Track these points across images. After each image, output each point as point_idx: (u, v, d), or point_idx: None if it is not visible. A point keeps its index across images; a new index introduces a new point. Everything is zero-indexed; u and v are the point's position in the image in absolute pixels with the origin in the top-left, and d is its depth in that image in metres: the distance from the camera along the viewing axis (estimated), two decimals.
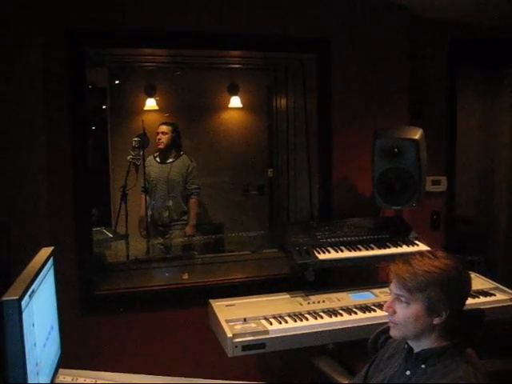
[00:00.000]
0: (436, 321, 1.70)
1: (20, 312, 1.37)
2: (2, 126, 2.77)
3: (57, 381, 1.93)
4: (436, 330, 1.73)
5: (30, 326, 1.48)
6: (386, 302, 2.70)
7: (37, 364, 1.54)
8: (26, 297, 1.45)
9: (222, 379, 2.26)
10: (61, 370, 2.00)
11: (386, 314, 1.82)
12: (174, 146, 4.76)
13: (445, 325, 1.72)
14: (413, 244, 3.08)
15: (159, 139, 4.70)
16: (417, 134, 3.00)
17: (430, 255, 1.76)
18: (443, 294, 1.68)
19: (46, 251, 1.86)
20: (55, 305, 1.93)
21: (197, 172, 4.77)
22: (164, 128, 4.73)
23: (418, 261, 1.74)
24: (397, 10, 3.38)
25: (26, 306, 1.44)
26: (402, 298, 1.73)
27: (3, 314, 1.34)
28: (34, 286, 1.55)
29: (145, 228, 4.70)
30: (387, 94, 3.42)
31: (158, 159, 4.74)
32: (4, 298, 1.36)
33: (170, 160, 4.76)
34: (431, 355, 1.73)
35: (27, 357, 1.41)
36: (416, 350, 1.78)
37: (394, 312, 1.76)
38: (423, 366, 1.73)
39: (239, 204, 5.42)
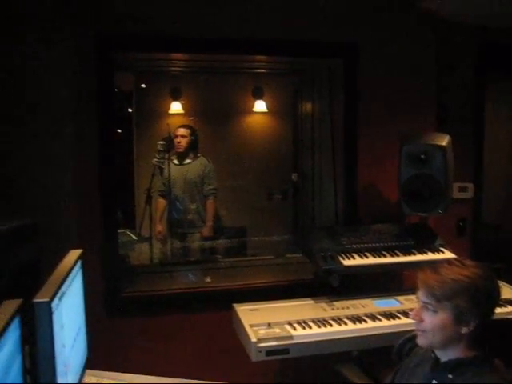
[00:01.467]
0: (464, 330, 1.69)
1: (50, 313, 1.39)
2: (30, 130, 2.82)
3: (82, 381, 1.95)
4: (464, 340, 1.71)
5: (60, 327, 1.50)
6: (410, 309, 2.71)
7: (65, 365, 1.56)
8: (56, 299, 1.47)
9: (245, 383, 2.26)
10: (87, 371, 2.02)
11: (413, 321, 1.81)
12: (192, 149, 4.74)
13: (473, 334, 1.70)
14: (439, 251, 3.05)
15: (178, 142, 4.68)
16: (444, 141, 2.97)
17: (459, 263, 1.74)
18: (471, 303, 1.66)
19: (74, 253, 1.89)
20: (83, 306, 1.96)
21: (214, 173, 4.74)
22: (183, 131, 4.71)
23: (446, 269, 1.72)
24: (424, 15, 3.35)
25: (56, 307, 1.46)
26: (430, 306, 1.71)
27: (34, 315, 1.37)
28: (63, 288, 1.57)
29: (160, 232, 4.71)
30: (414, 99, 3.40)
31: (175, 161, 4.72)
32: (35, 300, 1.38)
33: (188, 161, 4.74)
34: (458, 365, 1.71)
35: (56, 358, 1.43)
36: (443, 359, 1.76)
37: (422, 320, 1.74)
38: (450, 376, 1.71)
39: (263, 208, 5.42)
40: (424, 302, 1.73)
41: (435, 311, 1.70)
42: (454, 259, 1.82)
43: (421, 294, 1.75)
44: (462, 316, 1.67)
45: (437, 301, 1.70)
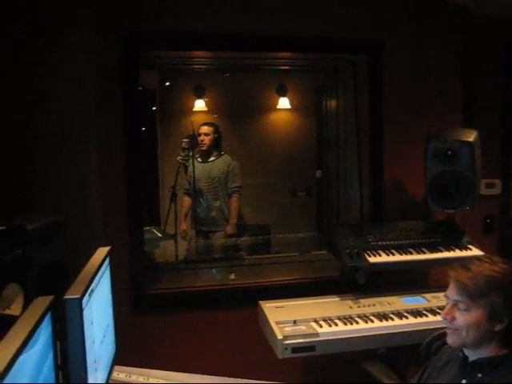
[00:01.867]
0: (497, 328, 1.67)
1: (81, 310, 1.41)
2: (57, 128, 2.85)
3: (112, 377, 1.97)
4: (496, 338, 1.68)
5: (90, 323, 1.52)
6: (437, 307, 2.69)
7: (95, 361, 1.58)
8: (86, 295, 1.49)
9: (271, 380, 2.26)
10: (115, 367, 2.04)
11: (440, 319, 1.79)
12: (216, 147, 4.74)
13: (505, 332, 1.68)
14: (466, 248, 3.02)
15: (202, 141, 4.68)
16: (471, 137, 2.93)
17: (488, 260, 1.72)
18: (505, 299, 1.65)
19: (102, 251, 1.91)
20: (111, 303, 1.98)
21: (238, 171, 4.73)
22: (206, 129, 4.71)
23: (477, 266, 1.70)
24: (450, 9, 3.31)
25: (86, 304, 1.48)
26: (462, 305, 1.69)
27: (65, 312, 1.38)
28: (93, 285, 1.59)
29: (184, 230, 4.73)
30: (440, 95, 3.36)
31: (199, 159, 4.73)
32: (66, 297, 1.40)
33: (212, 159, 4.74)
34: (488, 364, 1.69)
35: (87, 353, 1.45)
36: (472, 358, 1.74)
37: (453, 319, 1.72)
38: (480, 376, 1.69)
39: (287, 205, 5.42)
40: (456, 300, 1.71)
41: (468, 309, 1.68)
42: (483, 256, 1.80)
43: (452, 291, 1.73)
44: (495, 313, 1.65)
45: (470, 298, 1.68)
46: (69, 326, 1.38)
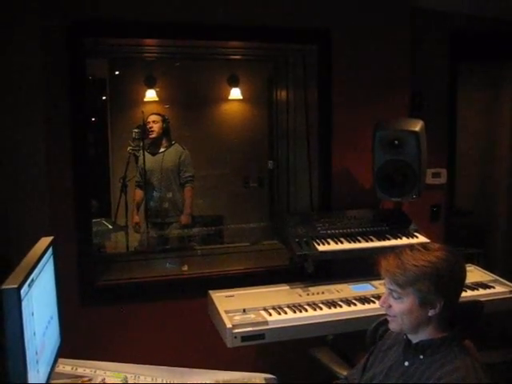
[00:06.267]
0: (431, 313, 1.71)
1: (19, 301, 1.37)
2: (1, 118, 2.76)
3: (56, 370, 1.93)
4: (432, 322, 1.73)
5: (30, 314, 1.48)
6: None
7: (36, 353, 1.55)
8: (25, 286, 1.45)
9: (222, 369, 2.26)
10: (60, 360, 2.01)
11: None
12: (165, 136, 4.72)
13: (441, 316, 1.72)
14: (412, 236, 3.09)
15: (150, 127, 4.66)
16: (417, 126, 2.99)
17: (421, 248, 1.76)
18: (433, 286, 1.68)
19: (45, 240, 1.87)
20: (55, 294, 1.93)
21: (190, 160, 4.73)
22: (154, 117, 4.71)
23: (407, 255, 1.74)
24: (398, 1, 3.36)
25: (26, 294, 1.44)
26: (395, 293, 1.74)
27: (2, 302, 1.35)
28: (33, 275, 1.55)
29: (137, 223, 4.69)
30: (388, 85, 3.41)
31: (149, 151, 4.69)
32: (3, 287, 1.36)
33: (162, 150, 4.72)
34: (429, 346, 1.73)
35: (27, 345, 1.42)
36: (414, 341, 1.78)
37: (389, 306, 1.77)
38: (421, 357, 1.74)
39: (239, 196, 5.42)
40: (389, 289, 1.76)
41: (400, 297, 1.73)
42: (417, 244, 1.83)
43: (386, 281, 1.78)
44: (426, 299, 1.70)
45: (401, 287, 1.72)
46: (6, 317, 1.35)
